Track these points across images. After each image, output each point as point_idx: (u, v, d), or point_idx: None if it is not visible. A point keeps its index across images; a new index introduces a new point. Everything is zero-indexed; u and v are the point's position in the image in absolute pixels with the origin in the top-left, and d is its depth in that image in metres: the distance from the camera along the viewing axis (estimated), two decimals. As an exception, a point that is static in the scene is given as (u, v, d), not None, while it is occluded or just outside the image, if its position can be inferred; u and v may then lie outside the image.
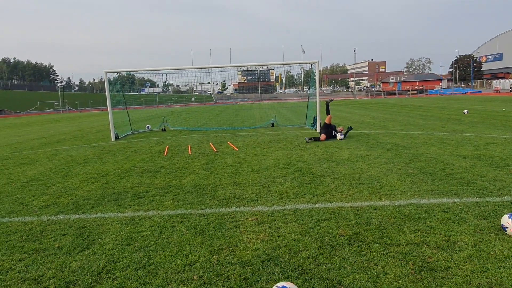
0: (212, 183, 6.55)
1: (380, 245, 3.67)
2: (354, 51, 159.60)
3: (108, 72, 15.10)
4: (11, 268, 3.54)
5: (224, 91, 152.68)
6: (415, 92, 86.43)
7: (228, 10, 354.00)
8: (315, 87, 15.68)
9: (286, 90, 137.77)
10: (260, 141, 11.99)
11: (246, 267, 3.34)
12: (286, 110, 34.16)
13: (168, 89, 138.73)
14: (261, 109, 38.17)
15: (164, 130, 17.55)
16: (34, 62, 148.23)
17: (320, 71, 15.75)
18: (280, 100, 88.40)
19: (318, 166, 7.57)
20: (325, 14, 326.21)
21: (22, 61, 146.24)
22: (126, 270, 3.40)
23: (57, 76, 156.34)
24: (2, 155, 11.45)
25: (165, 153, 10.29)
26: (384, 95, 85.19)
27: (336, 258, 3.44)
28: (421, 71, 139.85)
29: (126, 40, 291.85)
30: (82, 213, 5.15)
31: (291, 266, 3.33)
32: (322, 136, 11.46)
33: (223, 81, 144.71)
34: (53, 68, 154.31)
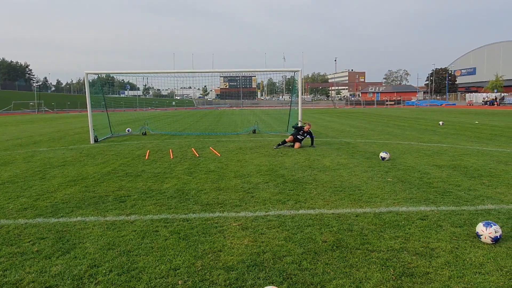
0: (195, 188, 6.53)
1: (361, 251, 3.75)
2: (335, 60, 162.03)
3: (89, 73, 14.84)
4: (-13, 272, 3.43)
5: (205, 96, 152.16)
6: (393, 102, 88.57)
7: (212, 14, 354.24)
8: (297, 95, 15.89)
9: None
10: (242, 147, 12.02)
11: (231, 272, 3.35)
12: (267, 117, 34.36)
13: (149, 93, 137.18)
14: (242, 115, 38.24)
15: (145, 134, 17.33)
16: (9, 61, 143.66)
17: (302, 79, 15.96)
18: (261, 106, 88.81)
19: (300, 173, 7.66)
20: (307, 23, 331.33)
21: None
22: (108, 274, 3.35)
23: (33, 75, 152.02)
24: (-25, 156, 11.03)
25: (146, 157, 10.17)
26: (363, 105, 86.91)
27: (319, 263, 3.50)
28: (399, 82, 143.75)
29: (106, 39, 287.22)
30: (62, 216, 5.03)
31: (276, 271, 3.37)
32: (290, 138, 11.76)
33: (205, 86, 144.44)
34: (29, 68, 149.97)
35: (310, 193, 6.03)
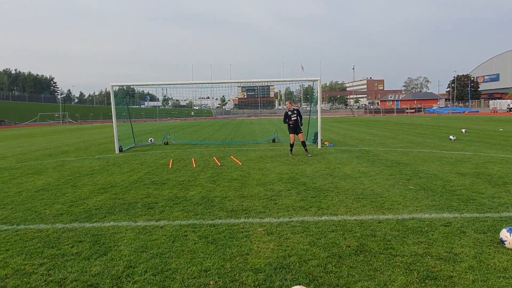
0: (219, 195, 6.73)
1: (385, 256, 3.85)
2: (353, 68, 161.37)
3: (114, 85, 15.42)
4: (33, 271, 3.70)
5: (223, 106, 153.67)
6: (413, 110, 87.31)
7: (231, 25, 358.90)
8: (316, 104, 16.02)
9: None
10: (263, 156, 12.20)
11: (259, 274, 3.51)
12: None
13: (168, 103, 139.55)
14: (261, 125, 38.54)
15: (167, 144, 17.76)
16: (35, 74, 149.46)
17: (320, 88, 16.17)
18: (279, 116, 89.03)
19: (322, 181, 7.77)
20: (324, 31, 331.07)
21: (23, 72, 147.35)
22: (144, 275, 3.56)
23: (58, 88, 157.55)
24: (8, 165, 11.62)
25: (170, 166, 10.48)
26: (382, 113, 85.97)
27: (344, 267, 3.62)
28: (419, 90, 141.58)
29: (127, 51, 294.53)
30: (95, 221, 5.32)
31: (302, 273, 3.51)
32: (291, 136, 12.19)
33: (223, 96, 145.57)
34: (53, 80, 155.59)
35: (332, 200, 6.13)
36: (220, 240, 4.42)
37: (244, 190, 7.08)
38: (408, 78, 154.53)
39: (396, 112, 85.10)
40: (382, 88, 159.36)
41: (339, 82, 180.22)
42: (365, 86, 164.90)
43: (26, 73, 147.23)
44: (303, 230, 4.72)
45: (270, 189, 7.11)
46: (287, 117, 12.20)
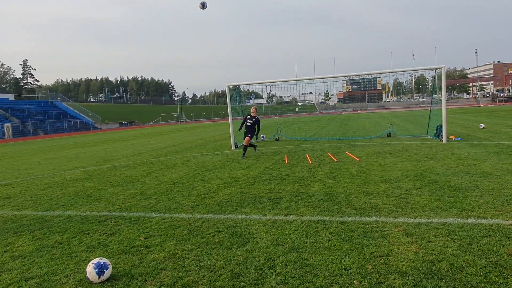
0: (342, 191, 6.56)
1: None
2: (475, 52, 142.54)
3: (230, 85, 16.35)
4: (185, 256, 4.10)
5: (327, 101, 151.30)
6: (557, 96, 73.13)
7: (332, 20, 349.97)
8: (438, 94, 14.53)
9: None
10: (380, 151, 11.55)
11: (407, 278, 3.27)
12: (399, 119, 32.23)
13: (272, 100, 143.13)
14: (370, 119, 36.77)
15: (278, 140, 18.16)
16: (157, 79, 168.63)
17: (434, 77, 14.55)
18: (389, 109, 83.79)
19: (456, 179, 6.98)
20: (437, 14, 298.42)
21: (147, 78, 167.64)
22: (285, 268, 3.64)
23: (175, 91, 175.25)
24: (146, 160, 13.25)
25: (286, 162, 10.64)
26: (515, 101, 74.07)
27: (511, 278, 3.14)
28: None
29: (233, 54, 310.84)
30: (228, 213, 5.67)
31: (458, 281, 3.15)
32: (246, 139, 12.30)
33: (326, 91, 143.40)
34: (171, 84, 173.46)
35: (476, 201, 5.44)
36: (354, 239, 4.28)
37: (368, 187, 6.77)
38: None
39: (534, 100, 72.41)
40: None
41: (458, 69, 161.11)
42: (492, 71, 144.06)
43: (149, 79, 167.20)
44: (447, 233, 4.27)
45: (397, 187, 6.66)
46: (245, 121, 12.80)
